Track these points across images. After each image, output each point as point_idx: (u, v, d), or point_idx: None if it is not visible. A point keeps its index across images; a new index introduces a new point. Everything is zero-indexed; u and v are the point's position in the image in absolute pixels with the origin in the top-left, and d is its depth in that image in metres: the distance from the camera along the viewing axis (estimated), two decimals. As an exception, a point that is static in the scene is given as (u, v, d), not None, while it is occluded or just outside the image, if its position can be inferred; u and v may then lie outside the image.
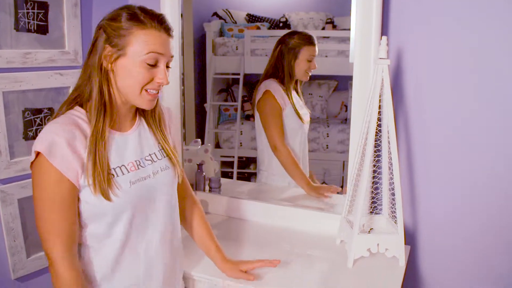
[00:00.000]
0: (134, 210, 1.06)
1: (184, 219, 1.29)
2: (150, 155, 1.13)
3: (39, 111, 1.60)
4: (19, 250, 1.58)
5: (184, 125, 1.86)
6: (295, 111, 1.78)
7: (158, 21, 1.01)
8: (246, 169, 2.10)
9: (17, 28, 1.49)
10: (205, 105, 2.13)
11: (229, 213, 1.75)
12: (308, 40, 1.77)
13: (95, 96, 1.01)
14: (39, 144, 0.96)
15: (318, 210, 1.63)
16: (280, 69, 1.79)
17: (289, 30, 1.88)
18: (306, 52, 1.77)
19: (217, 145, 2.16)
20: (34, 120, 1.59)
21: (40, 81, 1.57)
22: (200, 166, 1.82)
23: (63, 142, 0.96)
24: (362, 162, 1.37)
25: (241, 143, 2.10)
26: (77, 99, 1.05)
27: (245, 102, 2.11)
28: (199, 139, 2.02)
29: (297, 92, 1.84)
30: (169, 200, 1.16)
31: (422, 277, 1.59)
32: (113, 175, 1.03)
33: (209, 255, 1.30)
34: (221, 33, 2.12)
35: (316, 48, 1.78)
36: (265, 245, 1.50)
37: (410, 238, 1.55)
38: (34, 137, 1.59)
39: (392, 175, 1.36)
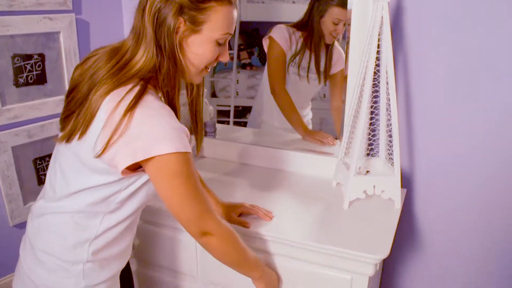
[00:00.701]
0: None
1: None
2: None
3: (29, 57, 1.56)
4: (16, 198, 1.58)
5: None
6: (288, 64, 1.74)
7: None
8: (242, 118, 2.07)
9: (1, -31, 1.43)
10: (200, 53, 2.08)
11: (224, 157, 1.75)
12: (337, 0, 1.63)
13: (174, 74, 0.94)
14: (170, 145, 0.86)
15: (314, 153, 1.62)
16: (307, 23, 1.70)
17: None
18: (332, 13, 1.64)
19: (213, 94, 2.12)
20: (24, 66, 1.55)
21: (28, 26, 1.52)
22: (194, 109, 1.80)
23: (185, 129, 0.91)
24: (359, 104, 1.35)
25: (237, 92, 2.06)
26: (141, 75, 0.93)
27: (241, 51, 2.06)
28: (193, 83, 1.98)
29: (326, 54, 1.74)
30: None
31: (417, 221, 1.60)
32: None
33: None
34: (216, -21, 2.04)
35: (348, 12, 1.61)
36: (260, 187, 1.50)
37: (406, 182, 1.55)
38: (25, 84, 1.55)
39: (390, 117, 1.34)
